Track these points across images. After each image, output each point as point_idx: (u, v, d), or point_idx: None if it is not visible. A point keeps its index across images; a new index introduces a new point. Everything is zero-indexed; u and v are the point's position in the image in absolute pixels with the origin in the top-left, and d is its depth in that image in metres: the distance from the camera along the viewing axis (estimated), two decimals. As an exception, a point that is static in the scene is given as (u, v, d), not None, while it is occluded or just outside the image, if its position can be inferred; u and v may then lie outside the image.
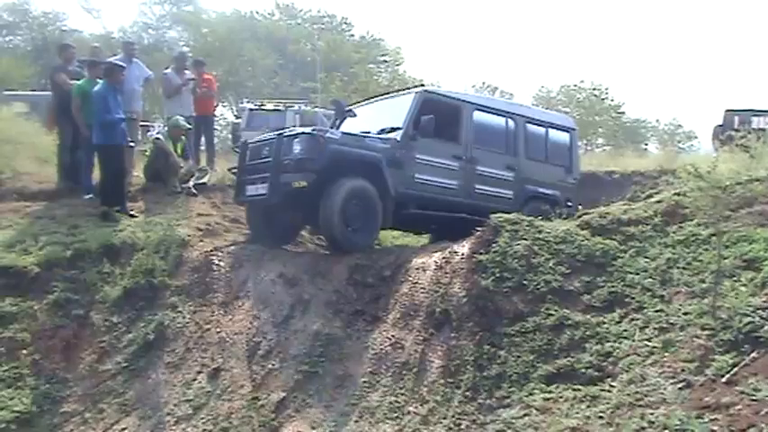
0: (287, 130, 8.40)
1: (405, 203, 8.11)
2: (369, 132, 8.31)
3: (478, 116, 8.98)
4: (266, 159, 7.87)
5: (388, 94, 10.29)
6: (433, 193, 8.31)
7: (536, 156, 9.47)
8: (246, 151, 8.41)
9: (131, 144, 9.34)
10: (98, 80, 8.99)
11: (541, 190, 9.32)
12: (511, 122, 9.33)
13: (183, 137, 10.46)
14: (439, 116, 8.17)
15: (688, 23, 73.96)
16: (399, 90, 11.09)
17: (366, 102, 10.20)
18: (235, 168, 8.69)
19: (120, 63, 9.42)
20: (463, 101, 9.04)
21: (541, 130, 9.69)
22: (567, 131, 10.13)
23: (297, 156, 7.59)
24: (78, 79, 9.44)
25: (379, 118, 8.73)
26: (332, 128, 9.16)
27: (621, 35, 72.54)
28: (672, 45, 71.15)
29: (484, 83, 27.70)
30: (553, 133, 9.83)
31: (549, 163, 9.62)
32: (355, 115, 9.36)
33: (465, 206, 8.40)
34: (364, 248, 7.69)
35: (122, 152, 8.98)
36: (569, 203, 9.41)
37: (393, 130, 8.25)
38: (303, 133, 7.78)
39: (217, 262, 7.69)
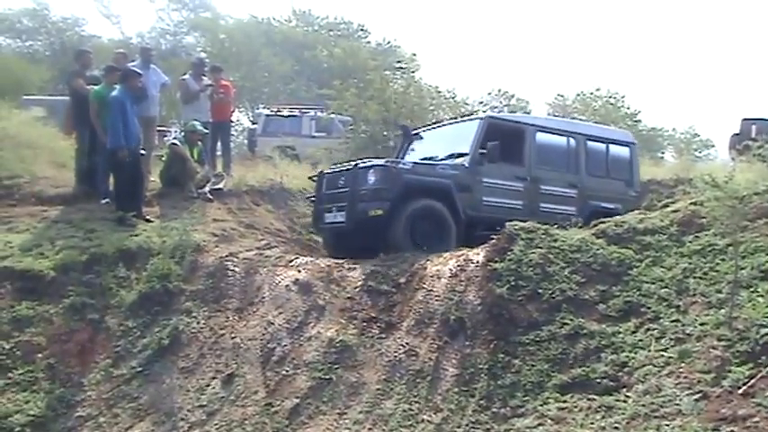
0: (361, 161, 8.85)
1: (474, 225, 8.37)
2: (436, 157, 8.95)
3: (540, 137, 9.36)
4: (343, 189, 8.40)
5: (454, 119, 11.11)
6: (500, 215, 8.36)
7: (597, 172, 9.80)
8: (323, 181, 8.95)
9: (142, 152, 9.39)
10: (115, 86, 9.06)
11: (603, 204, 9.46)
12: (572, 141, 9.68)
13: (199, 142, 10.51)
14: (503, 139, 8.58)
15: (706, 31, 73.59)
16: (461, 117, 12.29)
17: (431, 126, 10.80)
18: (313, 196, 9.25)
19: (137, 70, 9.50)
20: (525, 123, 9.53)
21: (602, 146, 10.04)
22: (627, 146, 10.46)
23: (372, 186, 8.12)
24: (96, 84, 9.51)
25: (445, 143, 9.30)
26: (399, 152, 10.04)
27: (638, 43, 72.25)
28: (689, 53, 70.77)
29: (500, 90, 27.48)
30: (613, 149, 10.16)
31: (610, 178, 9.93)
32: (422, 138, 9.98)
33: None
34: None
35: (137, 157, 9.04)
36: None
37: (460, 155, 8.74)
38: (377, 165, 8.31)
39: (232, 267, 7.71)
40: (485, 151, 8.58)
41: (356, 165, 8.52)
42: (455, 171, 8.55)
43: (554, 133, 9.66)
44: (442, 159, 8.90)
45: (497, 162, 8.65)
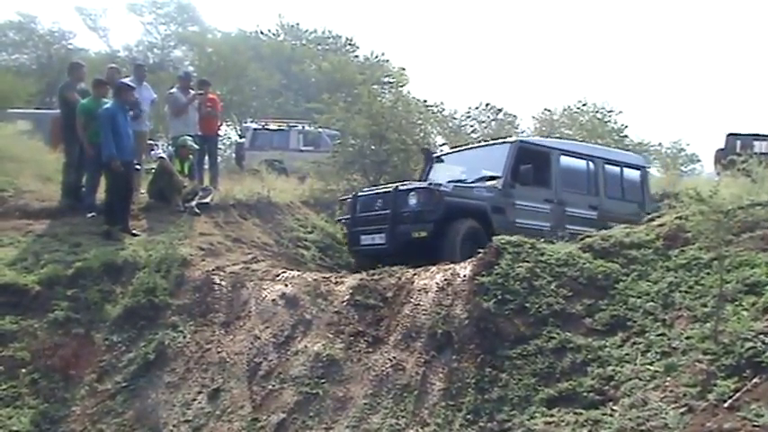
0: (400, 184, 9.03)
1: None
2: (464, 180, 9.32)
3: (564, 161, 9.76)
4: (382, 212, 8.63)
5: (478, 144, 11.75)
6: (530, 235, 8.36)
7: (614, 194, 10.25)
8: (357, 203, 9.14)
9: (137, 167, 9.38)
10: (104, 99, 9.04)
11: (621, 226, 9.48)
12: (591, 164, 10.12)
13: (190, 156, 10.50)
14: (531, 163, 8.96)
15: (691, 47, 74.41)
16: (492, 139, 12.87)
17: (456, 149, 11.37)
18: (345, 218, 9.43)
19: (130, 84, 9.51)
20: (551, 148, 9.90)
21: (617, 169, 10.50)
22: (639, 169, 10.99)
23: (415, 208, 8.37)
24: (85, 98, 9.48)
25: (473, 166, 9.59)
26: (422, 175, 10.38)
27: (624, 58, 73.01)
28: (674, 68, 71.54)
29: (488, 104, 27.63)
30: (627, 172, 10.66)
31: (625, 200, 10.34)
32: (443, 162, 10.41)
33: None
34: None
35: (131, 170, 9.02)
36: None
37: (492, 178, 9.06)
38: (420, 188, 8.57)
39: (218, 282, 7.69)
40: (516, 175, 8.91)
41: (396, 187, 8.74)
42: (490, 193, 8.86)
43: (576, 157, 10.08)
44: (471, 182, 9.21)
45: (530, 185, 9.02)
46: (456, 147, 12.42)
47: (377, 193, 9.08)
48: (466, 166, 9.88)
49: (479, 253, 7.55)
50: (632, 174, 10.77)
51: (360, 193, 9.41)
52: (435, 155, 10.65)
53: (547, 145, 10.18)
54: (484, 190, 8.90)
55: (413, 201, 8.44)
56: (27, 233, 8.80)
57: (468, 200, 8.65)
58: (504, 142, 9.87)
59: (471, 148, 11.08)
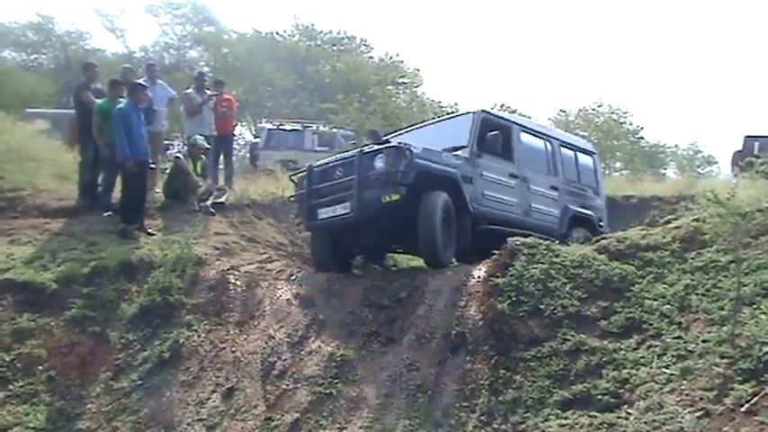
0: (366, 147, 8.21)
1: (478, 220, 8.12)
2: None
3: (525, 138, 9.17)
4: (344, 179, 7.71)
5: (432, 120, 10.60)
6: (500, 210, 8.40)
7: (571, 177, 9.72)
8: (312, 175, 8.15)
9: (152, 166, 9.43)
10: (120, 99, 9.10)
11: (581, 210, 9.54)
12: (549, 145, 9.57)
13: (202, 156, 10.55)
14: (493, 134, 8.37)
15: (709, 49, 73.86)
16: (447, 114, 11.76)
17: (408, 129, 10.26)
18: (293, 196, 8.66)
19: (142, 82, 9.56)
20: (513, 122, 9.27)
21: (572, 152, 9.98)
22: (590, 155, 10.45)
23: (384, 170, 7.45)
24: (100, 98, 9.56)
25: (433, 141, 8.48)
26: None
27: (641, 60, 72.53)
28: (692, 70, 70.98)
29: (502, 105, 27.56)
30: (580, 156, 10.14)
31: (581, 184, 9.88)
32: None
33: (525, 224, 8.47)
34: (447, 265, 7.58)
35: (146, 169, 9.08)
36: (601, 223, 9.81)
37: (456, 149, 8.25)
38: (388, 147, 7.65)
39: (233, 281, 7.72)
40: (483, 144, 8.30)
41: (361, 151, 7.88)
42: (459, 161, 8.08)
43: (535, 135, 9.53)
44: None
45: (497, 155, 8.45)
46: (408, 126, 11.07)
47: (335, 163, 8.14)
48: (428, 143, 8.63)
49: (457, 236, 7.67)
50: (585, 158, 10.28)
51: (315, 166, 8.33)
52: (385, 136, 9.45)
53: (509, 119, 9.56)
54: (453, 157, 8.07)
55: (380, 163, 7.51)
56: (44, 231, 8.88)
57: (438, 165, 7.80)
58: (466, 113, 9.07)
59: (425, 124, 10.08)
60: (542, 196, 9.05)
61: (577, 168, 9.95)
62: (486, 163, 8.34)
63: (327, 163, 8.30)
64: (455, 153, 8.16)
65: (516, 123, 9.33)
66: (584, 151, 10.41)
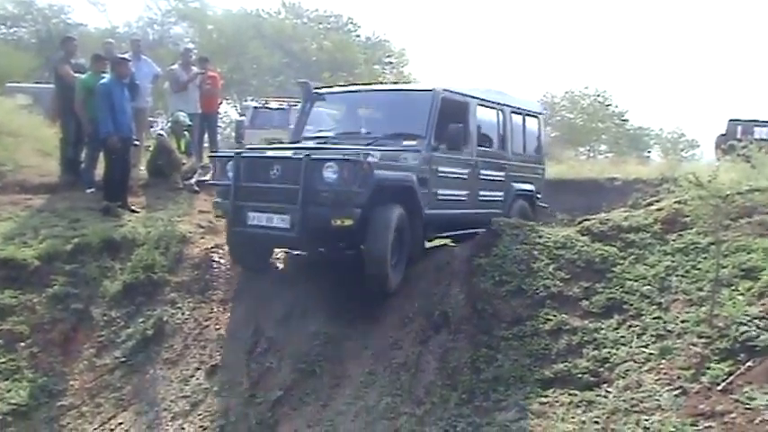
0: (312, 148, 6.83)
1: (430, 227, 7.22)
2: (370, 133, 7.24)
3: (480, 113, 8.02)
4: (283, 185, 6.44)
5: (383, 85, 9.12)
6: (451, 209, 7.50)
7: (518, 149, 8.80)
8: (240, 165, 6.71)
9: (136, 142, 9.35)
10: (103, 74, 9.00)
11: (524, 187, 8.73)
12: (500, 115, 8.46)
13: (185, 133, 10.48)
14: (453, 118, 7.31)
15: (693, 32, 74.02)
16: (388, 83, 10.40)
17: (350, 89, 8.79)
18: (221, 183, 7.00)
19: (125, 56, 9.45)
20: (470, 97, 7.92)
21: (520, 119, 8.92)
22: (536, 117, 9.49)
23: (335, 187, 6.23)
24: (81, 72, 9.44)
25: (384, 118, 7.53)
26: (300, 118, 8.09)
27: (626, 43, 72.67)
28: (677, 54, 71.21)
29: (488, 88, 27.53)
30: (528, 121, 9.14)
31: (526, 155, 9.00)
32: (328, 101, 8.28)
33: (471, 217, 7.71)
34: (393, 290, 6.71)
35: (130, 146, 9.00)
36: (539, 195, 9.11)
37: (410, 137, 7.12)
38: (341, 159, 6.30)
39: (217, 259, 7.70)
40: (442, 135, 7.17)
41: (307, 155, 6.35)
42: (415, 161, 6.92)
43: (489, 107, 8.28)
44: (381, 139, 7.08)
45: (458, 149, 7.37)
46: (349, 85, 9.59)
47: (272, 157, 6.82)
48: (364, 116, 7.60)
49: (409, 250, 6.69)
50: (532, 123, 9.21)
51: (245, 154, 7.00)
52: (317, 90, 8.20)
53: (466, 94, 7.88)
54: (410, 157, 6.89)
55: (331, 175, 6.24)
56: (26, 208, 8.79)
57: (396, 172, 6.67)
58: (422, 90, 7.64)
59: (373, 90, 8.40)
60: (490, 181, 8.11)
61: (524, 137, 8.96)
62: (441, 157, 7.23)
63: (262, 153, 7.06)
64: (409, 146, 7.02)
65: (474, 97, 7.97)
66: (531, 114, 9.34)
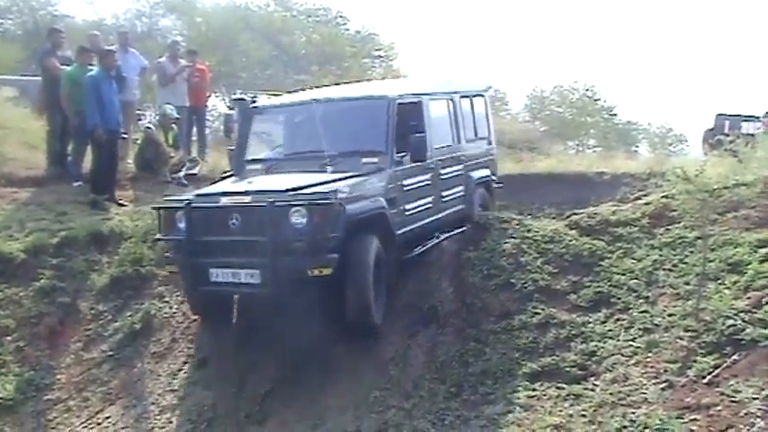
0: (276, 194, 5.83)
1: (403, 248, 6.65)
2: (322, 152, 6.49)
3: (433, 108, 7.40)
4: (247, 237, 5.82)
5: (326, 92, 7.88)
6: (419, 221, 6.91)
7: (470, 136, 8.17)
8: (192, 218, 5.94)
9: (124, 135, 9.29)
10: (89, 66, 8.93)
11: (481, 174, 8.24)
12: (451, 105, 7.86)
13: (173, 126, 10.42)
14: (410, 123, 6.82)
15: (681, 28, 74.28)
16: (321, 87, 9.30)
17: (289, 102, 7.87)
18: (171, 238, 6.24)
19: (113, 49, 9.39)
20: (423, 94, 7.34)
21: (468, 102, 8.29)
22: (482, 96, 8.83)
23: (306, 235, 5.63)
24: (68, 65, 9.36)
25: (336, 132, 6.69)
26: (241, 141, 7.47)
27: (615, 38, 72.84)
28: (665, 49, 71.40)
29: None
30: (475, 103, 8.48)
31: (478, 140, 8.41)
32: (265, 116, 7.67)
33: (437, 224, 7.20)
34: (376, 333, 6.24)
35: (117, 139, 8.94)
36: (494, 177, 8.65)
37: (369, 153, 6.50)
38: (309, 204, 5.65)
39: (205, 253, 7.65)
40: (403, 145, 6.61)
41: (271, 202, 5.67)
42: (381, 182, 6.34)
43: (440, 98, 7.73)
44: (336, 160, 6.42)
45: (422, 159, 6.78)
46: (287, 94, 8.68)
47: (228, 206, 5.95)
48: (313, 131, 6.73)
49: (379, 283, 6.09)
50: (479, 104, 8.57)
51: (195, 203, 6.06)
52: (254, 104, 7.65)
53: (419, 92, 7.32)
54: (375, 179, 6.30)
55: (300, 220, 5.62)
56: (12, 201, 8.72)
57: (368, 202, 6.09)
58: (375, 98, 7.04)
59: (320, 100, 7.20)
60: (451, 178, 7.54)
61: (474, 121, 8.32)
62: (405, 170, 6.67)
63: (215, 201, 6.13)
64: (369, 163, 6.43)
65: (425, 94, 7.38)
66: (478, 94, 8.70)
